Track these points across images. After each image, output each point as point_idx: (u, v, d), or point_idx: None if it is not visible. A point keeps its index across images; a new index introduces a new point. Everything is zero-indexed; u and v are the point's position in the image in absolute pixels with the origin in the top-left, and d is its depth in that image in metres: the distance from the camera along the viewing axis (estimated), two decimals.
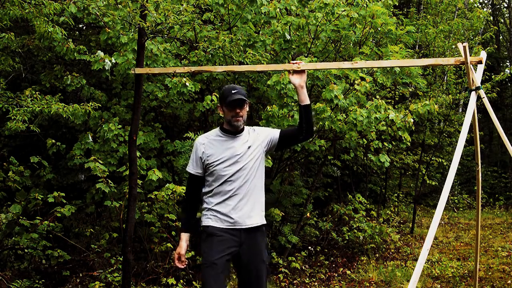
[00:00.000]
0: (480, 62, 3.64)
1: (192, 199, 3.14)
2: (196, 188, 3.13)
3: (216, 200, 3.03)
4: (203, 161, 3.05)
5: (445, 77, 10.87)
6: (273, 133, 3.21)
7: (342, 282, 5.77)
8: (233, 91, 3.02)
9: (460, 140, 3.39)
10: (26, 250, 4.90)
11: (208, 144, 3.08)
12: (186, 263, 3.11)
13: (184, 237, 3.09)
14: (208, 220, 3.02)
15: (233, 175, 3.03)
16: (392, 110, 5.63)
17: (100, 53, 5.05)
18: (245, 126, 3.15)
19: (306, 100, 3.10)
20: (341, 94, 5.36)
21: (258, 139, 3.16)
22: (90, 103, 5.05)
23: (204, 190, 3.10)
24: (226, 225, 3.01)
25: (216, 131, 3.16)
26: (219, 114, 5.46)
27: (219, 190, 3.03)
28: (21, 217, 4.77)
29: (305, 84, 3.12)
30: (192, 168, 3.10)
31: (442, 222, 10.40)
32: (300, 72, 3.13)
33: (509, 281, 5.68)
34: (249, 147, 3.10)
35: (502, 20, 18.27)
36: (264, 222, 3.14)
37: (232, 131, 3.10)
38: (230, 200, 3.03)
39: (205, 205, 3.08)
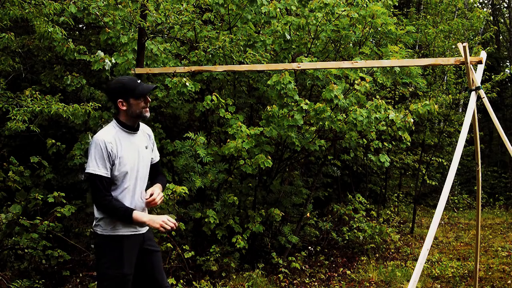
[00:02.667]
0: (480, 62, 3.65)
1: (114, 197, 2.78)
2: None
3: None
4: (111, 161, 2.73)
5: (445, 77, 10.86)
6: (156, 154, 3.08)
7: (342, 282, 5.77)
8: (138, 81, 2.81)
9: (460, 140, 3.39)
10: (26, 250, 4.89)
11: (115, 143, 2.75)
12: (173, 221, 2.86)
13: (138, 213, 2.79)
14: (116, 227, 2.78)
15: (138, 176, 2.86)
16: (392, 110, 5.62)
17: (100, 53, 5.05)
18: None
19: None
20: (341, 94, 5.35)
21: (150, 144, 3.01)
22: (90, 103, 5.05)
23: None
24: (132, 231, 2.84)
25: (115, 126, 2.83)
26: (219, 114, 5.46)
27: (125, 194, 2.81)
28: (21, 217, 4.76)
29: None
30: (104, 170, 2.70)
31: (442, 222, 10.40)
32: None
33: (509, 281, 5.68)
34: (146, 147, 2.95)
35: (502, 20, 18.26)
36: None
37: (134, 127, 2.87)
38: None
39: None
